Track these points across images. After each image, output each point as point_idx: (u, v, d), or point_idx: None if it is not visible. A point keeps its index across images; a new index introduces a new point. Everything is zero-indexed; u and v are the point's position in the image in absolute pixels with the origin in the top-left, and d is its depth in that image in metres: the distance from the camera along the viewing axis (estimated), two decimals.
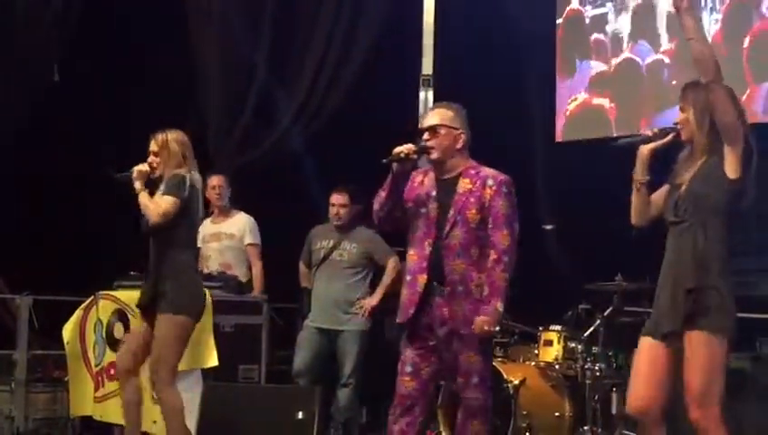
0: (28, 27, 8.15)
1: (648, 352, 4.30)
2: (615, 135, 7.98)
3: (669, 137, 4.35)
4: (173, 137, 5.69)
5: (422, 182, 5.10)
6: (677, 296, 4.16)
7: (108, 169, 5.65)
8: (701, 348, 4.09)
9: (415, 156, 4.92)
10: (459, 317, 4.90)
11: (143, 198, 5.52)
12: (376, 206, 5.09)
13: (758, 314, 6.61)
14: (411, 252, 5.07)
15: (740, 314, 6.18)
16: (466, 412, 5.02)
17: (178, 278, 5.58)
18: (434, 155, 5.04)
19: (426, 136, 5.02)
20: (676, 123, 4.35)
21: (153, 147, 5.66)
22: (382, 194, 5.02)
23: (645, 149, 4.39)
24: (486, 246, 4.94)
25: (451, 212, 4.98)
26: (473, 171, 5.05)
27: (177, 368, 5.65)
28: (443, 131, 5.02)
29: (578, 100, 8.67)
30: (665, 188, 4.42)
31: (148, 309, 5.64)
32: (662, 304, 4.25)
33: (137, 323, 5.83)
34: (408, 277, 5.05)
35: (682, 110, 4.33)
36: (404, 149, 4.81)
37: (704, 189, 4.20)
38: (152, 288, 5.60)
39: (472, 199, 4.97)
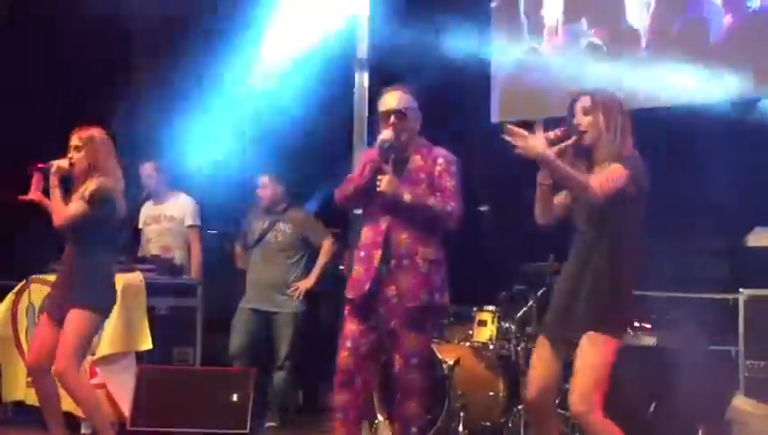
0: None
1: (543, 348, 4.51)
2: (550, 116, 7.99)
3: (572, 139, 4.34)
4: (97, 134, 5.65)
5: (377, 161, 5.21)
6: (574, 304, 4.35)
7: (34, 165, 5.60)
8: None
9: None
10: (404, 291, 4.97)
11: (54, 195, 5.51)
12: (350, 189, 5.08)
13: (688, 295, 6.71)
14: (366, 228, 5.14)
15: (673, 295, 6.59)
16: (405, 393, 5.05)
17: (93, 275, 5.56)
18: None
19: (393, 120, 5.05)
20: (579, 125, 4.37)
21: (76, 141, 5.59)
22: (359, 180, 5.03)
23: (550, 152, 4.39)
24: (433, 221, 5.07)
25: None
26: (425, 150, 5.16)
27: (81, 360, 5.67)
28: (409, 114, 5.10)
29: (512, 81, 8.66)
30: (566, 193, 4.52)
31: (57, 306, 5.60)
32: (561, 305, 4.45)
33: (43, 318, 5.80)
34: (363, 253, 5.10)
35: (587, 113, 4.36)
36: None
37: (612, 203, 4.27)
38: (64, 284, 5.59)
39: (422, 175, 5.07)
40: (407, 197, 4.95)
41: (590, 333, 4.27)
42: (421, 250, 5.00)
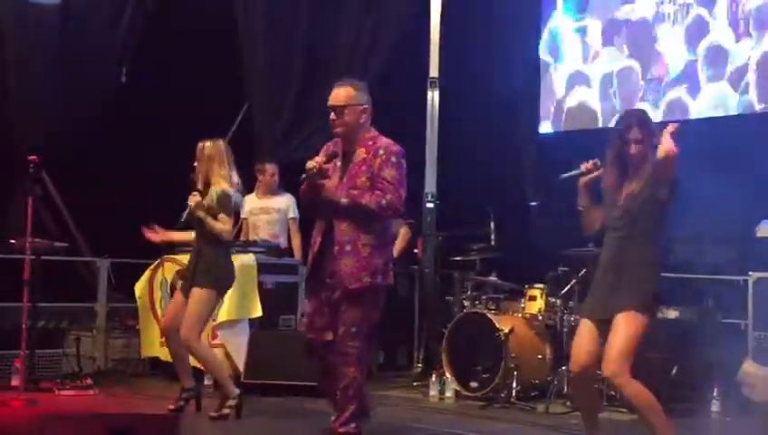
0: (101, 32, 8.44)
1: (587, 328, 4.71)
2: (600, 127, 8.40)
3: (597, 172, 4.65)
4: (207, 146, 5.93)
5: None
6: (620, 288, 4.54)
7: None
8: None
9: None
10: (346, 273, 4.91)
11: (210, 222, 5.83)
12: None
13: (706, 276, 7.14)
14: (317, 222, 5.13)
15: (692, 276, 6.94)
16: (342, 360, 4.95)
17: (211, 262, 5.89)
18: (338, 130, 5.00)
19: (332, 116, 4.98)
20: (633, 154, 4.55)
21: (198, 154, 5.94)
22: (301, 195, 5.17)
23: (581, 183, 4.71)
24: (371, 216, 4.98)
25: (344, 180, 5.00)
26: (370, 142, 5.02)
27: (202, 329, 5.99)
28: (347, 111, 4.97)
29: (561, 98, 8.94)
30: (602, 207, 4.74)
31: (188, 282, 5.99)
32: (603, 293, 4.62)
33: (176, 292, 6.21)
34: (312, 241, 5.14)
35: (637, 143, 4.54)
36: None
37: (645, 207, 4.57)
38: (193, 266, 5.97)
39: (363, 168, 4.96)
40: (343, 201, 4.89)
41: (631, 311, 4.47)
42: (363, 236, 4.91)
